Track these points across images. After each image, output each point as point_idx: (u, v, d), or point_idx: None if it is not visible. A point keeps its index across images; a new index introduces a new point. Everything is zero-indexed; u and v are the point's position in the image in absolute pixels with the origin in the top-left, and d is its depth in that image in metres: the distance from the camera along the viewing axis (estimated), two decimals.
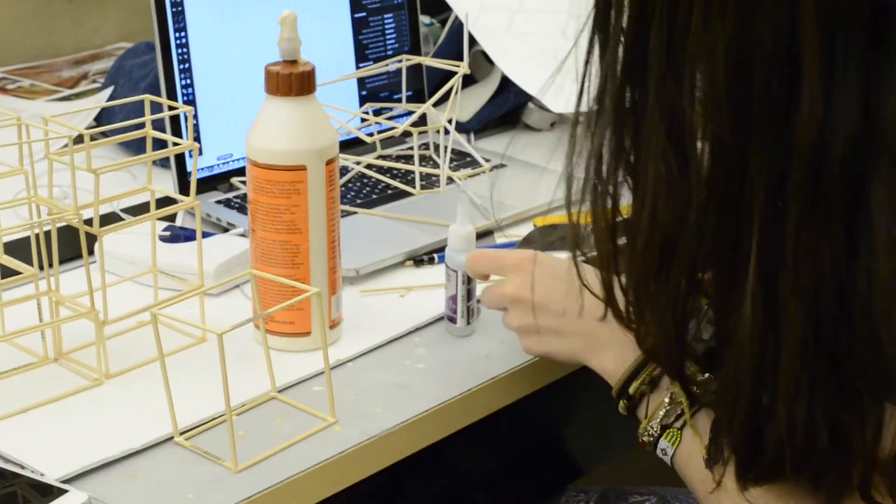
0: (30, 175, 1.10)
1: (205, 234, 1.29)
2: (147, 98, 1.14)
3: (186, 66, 1.38)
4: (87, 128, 1.49)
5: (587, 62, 0.85)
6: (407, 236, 1.33)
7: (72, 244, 1.15)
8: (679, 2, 0.78)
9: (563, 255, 1.03)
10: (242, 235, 1.33)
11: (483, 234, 1.36)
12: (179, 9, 1.37)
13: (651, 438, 0.99)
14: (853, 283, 0.79)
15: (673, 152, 0.80)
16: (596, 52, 0.83)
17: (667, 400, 0.98)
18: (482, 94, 1.65)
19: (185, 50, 1.38)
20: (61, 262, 1.13)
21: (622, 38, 0.81)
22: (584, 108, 0.86)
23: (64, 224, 1.11)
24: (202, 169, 1.41)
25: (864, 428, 0.82)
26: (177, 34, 1.37)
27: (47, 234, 1.11)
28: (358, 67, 1.53)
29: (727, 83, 0.77)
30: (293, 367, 1.12)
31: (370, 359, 1.15)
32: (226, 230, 1.36)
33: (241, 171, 1.43)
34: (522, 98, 1.64)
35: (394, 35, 1.56)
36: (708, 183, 0.80)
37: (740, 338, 0.81)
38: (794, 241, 0.79)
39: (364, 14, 1.53)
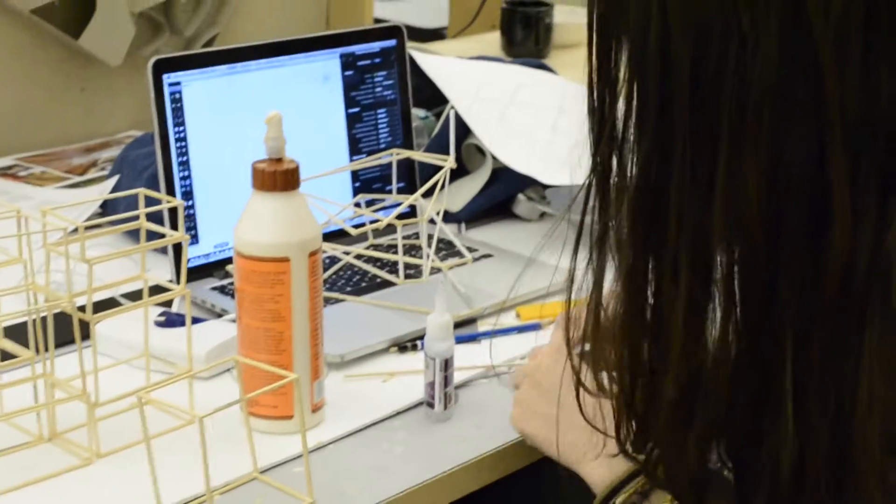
0: (28, 264, 1.16)
1: (197, 320, 1.35)
2: (142, 192, 1.20)
3: (185, 158, 1.45)
4: (89, 217, 1.56)
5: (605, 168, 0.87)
6: (392, 323, 1.39)
7: (68, 329, 1.20)
8: (699, 140, 0.79)
9: None
10: (234, 321, 1.38)
11: (465, 323, 1.41)
12: (179, 104, 1.44)
13: None
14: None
15: (700, 290, 0.81)
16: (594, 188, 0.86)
17: None
18: (473, 185, 1.71)
19: (183, 143, 1.45)
20: (58, 345, 1.19)
21: (636, 180, 0.83)
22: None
23: (59, 311, 1.16)
24: (198, 256, 1.47)
25: None
26: (176, 129, 1.44)
27: (43, 319, 1.16)
28: (351, 160, 1.59)
29: (759, 213, 0.78)
30: (277, 449, 1.17)
31: (351, 442, 1.20)
32: (219, 316, 1.42)
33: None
34: (512, 189, 1.71)
35: (387, 129, 1.63)
36: (739, 316, 0.81)
37: (778, 476, 0.82)
38: (824, 366, 0.80)
39: (358, 109, 1.60)
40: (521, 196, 1.72)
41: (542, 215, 1.72)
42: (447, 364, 1.22)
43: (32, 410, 1.17)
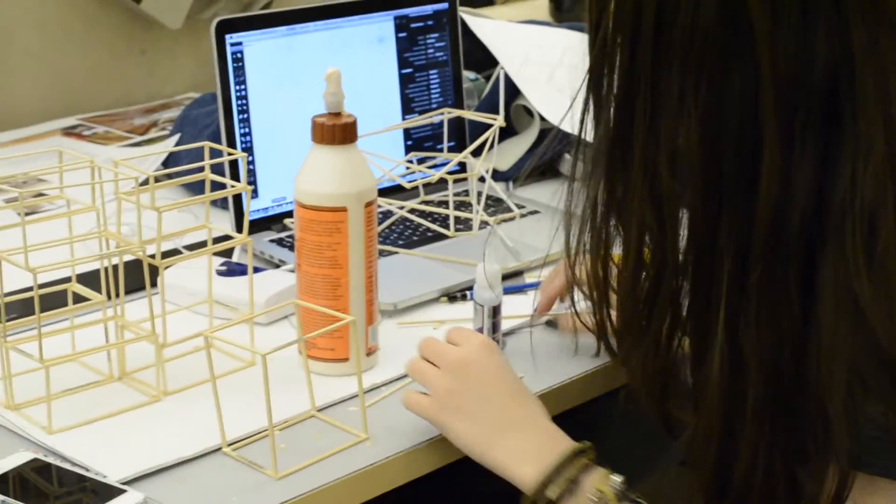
0: (100, 212, 1.22)
1: (257, 270, 1.42)
2: (207, 144, 1.27)
3: (245, 115, 1.51)
4: (154, 171, 1.63)
5: (582, 121, 0.96)
6: (442, 274, 1.45)
7: (136, 277, 1.27)
8: (659, 77, 0.87)
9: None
10: (292, 271, 1.45)
11: (514, 275, 1.47)
12: (240, 64, 1.50)
13: None
14: (806, 347, 0.87)
15: (653, 214, 0.89)
16: (591, 109, 0.94)
17: (592, 497, 1.03)
18: (522, 145, 1.76)
19: (244, 101, 1.51)
20: (127, 292, 1.25)
21: (614, 100, 0.91)
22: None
23: (130, 258, 1.23)
24: (258, 210, 1.54)
25: (820, 486, 0.90)
26: (237, 87, 1.50)
27: (115, 266, 1.23)
28: (404, 119, 1.65)
29: (700, 154, 0.86)
30: (332, 390, 1.24)
31: (403, 383, 1.26)
32: (277, 266, 1.48)
33: (293, 213, 1.55)
34: (559, 149, 1.76)
35: (438, 89, 1.68)
36: (683, 247, 0.89)
37: (709, 391, 0.90)
38: (756, 305, 0.87)
39: (410, 70, 1.66)
40: (566, 155, 1.77)
41: None
42: (495, 311, 1.28)
43: (103, 349, 1.24)
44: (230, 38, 1.49)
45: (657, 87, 0.87)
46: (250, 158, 1.52)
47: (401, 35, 1.64)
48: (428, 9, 1.66)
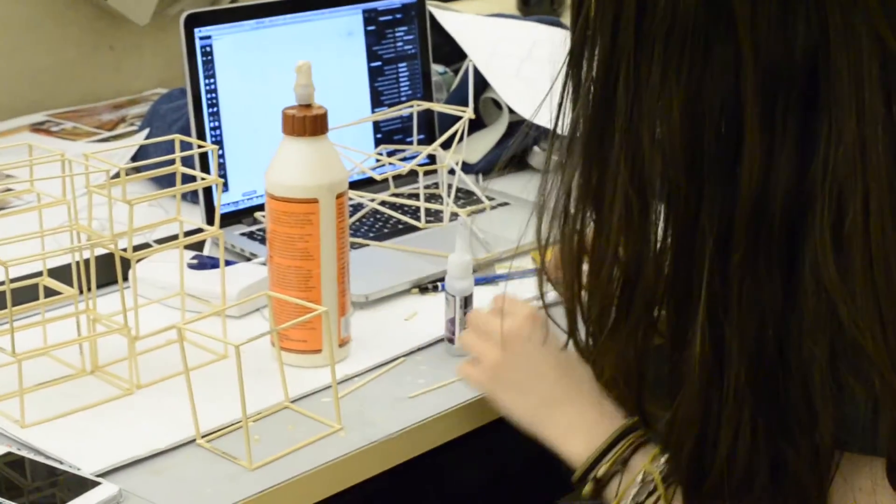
0: (71, 205, 1.22)
1: (229, 263, 1.42)
2: (177, 137, 1.27)
3: (215, 109, 1.51)
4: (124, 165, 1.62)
5: (560, 103, 0.96)
6: (413, 266, 1.46)
7: (107, 271, 1.27)
8: (641, 59, 0.87)
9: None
10: (264, 264, 1.45)
11: (484, 265, 1.48)
12: (209, 58, 1.50)
13: None
14: (788, 328, 0.88)
15: (635, 195, 0.89)
16: (569, 94, 0.94)
17: (639, 478, 1.03)
18: (490, 137, 1.77)
19: (213, 95, 1.51)
20: (98, 286, 1.25)
21: (593, 84, 0.91)
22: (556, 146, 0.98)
23: (102, 252, 1.23)
24: (228, 204, 1.54)
25: (805, 464, 0.90)
26: (206, 80, 1.50)
27: (87, 260, 1.23)
28: (373, 112, 1.65)
29: (682, 137, 0.86)
30: (305, 381, 1.24)
31: (375, 374, 1.27)
32: (248, 259, 1.48)
33: (263, 207, 1.54)
34: (528, 141, 1.77)
35: (407, 83, 1.69)
36: (664, 227, 0.89)
37: (690, 373, 0.91)
38: (738, 287, 0.87)
39: (380, 63, 1.66)
40: (536, 148, 1.77)
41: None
42: (467, 301, 1.29)
43: (75, 343, 1.23)
44: (199, 32, 1.49)
45: (639, 70, 0.87)
46: (220, 152, 1.52)
47: (369, 28, 1.64)
48: (396, 2, 1.66)
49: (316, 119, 1.23)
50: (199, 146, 1.27)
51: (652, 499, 1.02)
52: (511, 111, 1.74)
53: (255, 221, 1.55)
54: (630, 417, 1.06)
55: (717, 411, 0.91)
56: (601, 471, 1.05)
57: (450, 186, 1.55)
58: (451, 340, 1.30)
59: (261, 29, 1.55)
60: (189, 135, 1.49)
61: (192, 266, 1.40)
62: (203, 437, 1.14)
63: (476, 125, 1.75)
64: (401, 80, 1.68)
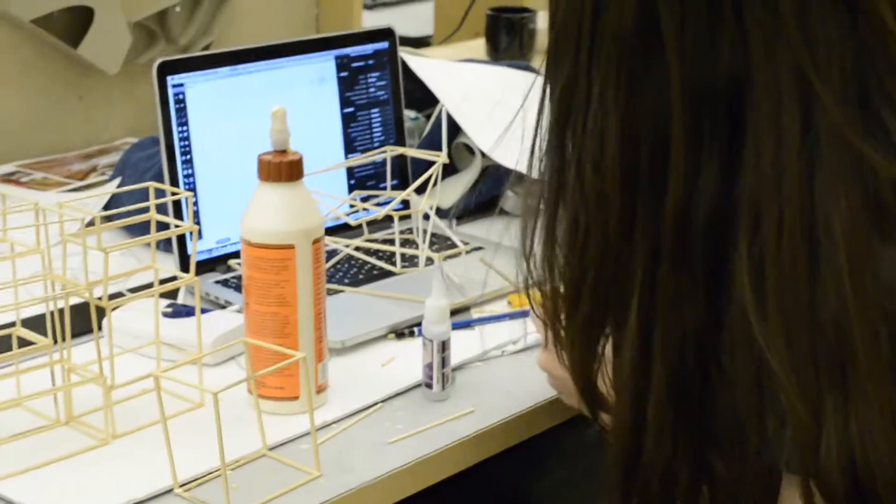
0: (46, 254, 1.21)
1: (204, 311, 1.41)
2: (151, 185, 1.26)
3: (188, 157, 1.51)
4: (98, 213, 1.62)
5: (533, 146, 0.98)
6: (389, 311, 1.45)
7: (81, 321, 1.26)
8: (594, 78, 0.90)
9: None
10: (239, 312, 1.44)
11: (460, 310, 1.47)
12: (182, 105, 1.50)
13: None
14: (712, 344, 0.90)
15: (584, 209, 0.92)
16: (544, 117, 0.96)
17: None
18: (463, 182, 1.77)
19: (186, 142, 1.51)
20: (72, 336, 1.24)
21: (552, 118, 0.94)
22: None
23: (75, 302, 1.22)
24: (202, 252, 1.53)
25: (736, 481, 0.92)
26: (179, 128, 1.50)
27: (61, 309, 1.22)
28: (346, 158, 1.65)
29: (619, 156, 0.89)
30: (283, 428, 1.23)
31: (353, 421, 1.26)
32: (223, 307, 1.47)
33: (237, 254, 1.54)
34: (501, 186, 1.77)
35: (380, 128, 1.69)
36: (603, 240, 0.91)
37: (621, 381, 0.93)
38: (664, 300, 0.90)
39: (352, 109, 1.66)
40: (509, 192, 1.78)
41: None
42: (444, 346, 1.29)
43: (50, 393, 1.22)
44: (172, 80, 1.49)
45: (591, 84, 0.90)
46: (194, 199, 1.52)
47: (342, 74, 1.65)
48: (368, 48, 1.67)
49: (292, 165, 1.23)
50: (174, 193, 1.26)
51: None
52: (484, 156, 1.74)
53: (230, 269, 1.54)
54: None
55: (643, 420, 0.93)
56: None
57: (424, 231, 1.55)
58: (429, 385, 1.30)
59: (234, 76, 1.55)
60: (162, 182, 1.49)
61: (166, 314, 1.39)
62: (181, 486, 1.13)
63: (449, 170, 1.75)
64: (373, 125, 1.68)
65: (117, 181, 1.75)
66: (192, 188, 1.51)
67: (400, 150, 1.62)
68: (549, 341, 1.20)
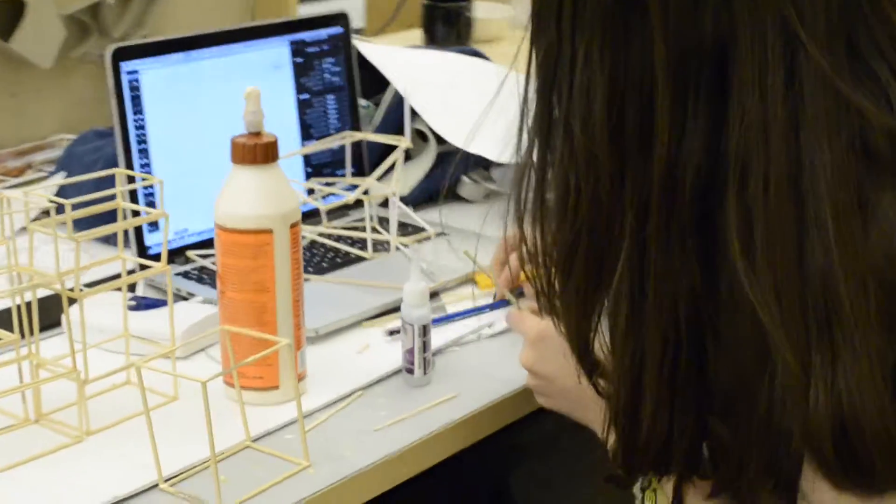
0: (11, 245, 1.16)
1: (163, 303, 1.36)
2: (118, 172, 1.22)
3: (144, 146, 1.46)
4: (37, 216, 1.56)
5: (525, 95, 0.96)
6: (361, 299, 1.41)
7: (45, 314, 1.21)
8: (578, 41, 0.89)
9: None
10: (203, 303, 1.40)
11: (431, 295, 1.44)
12: (137, 94, 1.45)
13: (636, 501, 1.06)
14: (707, 305, 0.89)
15: (573, 170, 0.90)
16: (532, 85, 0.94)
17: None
18: (419, 169, 1.74)
19: (142, 131, 1.46)
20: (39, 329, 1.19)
21: (540, 69, 0.92)
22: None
23: (40, 295, 1.17)
24: (160, 244, 1.48)
25: (744, 445, 0.91)
26: (135, 116, 1.45)
27: (28, 302, 1.17)
28: (303, 145, 1.61)
29: (606, 117, 0.88)
30: (264, 420, 1.19)
31: (336, 409, 1.22)
32: (185, 299, 1.43)
33: (196, 245, 1.50)
34: (457, 173, 1.74)
35: (336, 115, 1.65)
36: (593, 202, 0.90)
37: (616, 345, 0.92)
38: (654, 261, 0.89)
39: (308, 95, 1.62)
40: (465, 178, 1.75)
41: (488, 195, 1.76)
42: (425, 330, 1.25)
43: (18, 390, 1.17)
44: (126, 66, 1.44)
45: (575, 47, 0.89)
46: (150, 190, 1.47)
47: (297, 60, 1.60)
48: (322, 33, 1.63)
49: (267, 147, 1.19)
50: (144, 179, 1.22)
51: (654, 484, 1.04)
52: (440, 142, 1.71)
53: (188, 261, 1.50)
54: None
55: (640, 386, 0.91)
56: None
57: (381, 219, 1.51)
58: (410, 371, 1.26)
59: (189, 62, 1.50)
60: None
61: (131, 308, 1.34)
62: (166, 481, 1.09)
63: (404, 157, 1.71)
64: (329, 112, 1.65)
65: (62, 175, 1.69)
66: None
67: (360, 135, 1.58)
68: (536, 337, 1.18)
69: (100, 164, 1.62)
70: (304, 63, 1.61)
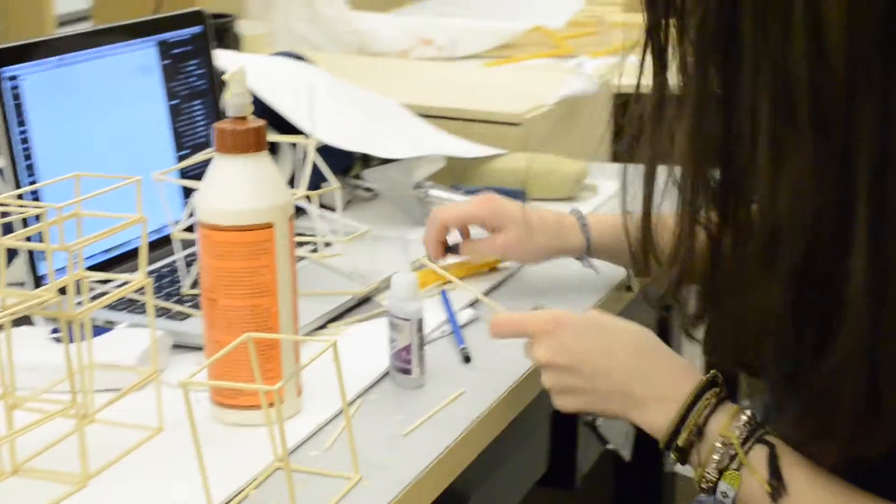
0: None
1: (100, 331, 1.20)
2: (77, 175, 1.06)
3: (30, 162, 1.28)
4: None
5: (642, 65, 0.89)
6: (319, 302, 1.30)
7: None
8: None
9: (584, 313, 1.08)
10: (134, 327, 1.24)
11: (365, 300, 1.34)
12: (19, 101, 1.27)
13: (710, 484, 0.97)
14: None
15: (786, 130, 0.82)
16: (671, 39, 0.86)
17: (718, 444, 0.96)
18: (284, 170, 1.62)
19: (27, 145, 1.28)
20: None
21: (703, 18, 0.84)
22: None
23: None
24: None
25: None
26: (19, 129, 1.27)
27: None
28: (177, 155, 1.46)
29: (840, 45, 0.80)
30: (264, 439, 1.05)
31: (342, 420, 1.10)
32: (106, 330, 1.26)
33: (101, 266, 1.33)
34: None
35: (204, 121, 1.51)
36: (816, 160, 0.82)
37: (850, 311, 0.83)
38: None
39: (178, 101, 1.47)
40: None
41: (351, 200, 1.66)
42: (420, 325, 1.16)
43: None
44: (5, 72, 1.26)
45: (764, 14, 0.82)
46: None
47: (165, 62, 1.46)
48: (185, 33, 1.49)
49: (257, 132, 1.06)
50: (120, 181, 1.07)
51: (735, 463, 0.96)
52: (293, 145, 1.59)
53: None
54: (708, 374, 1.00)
55: (881, 350, 0.84)
56: (681, 440, 0.99)
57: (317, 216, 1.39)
58: (406, 371, 1.16)
59: (64, 66, 1.33)
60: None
61: (58, 340, 1.17)
62: None
63: None
64: (197, 118, 1.50)
65: None
66: (37, 197, 1.27)
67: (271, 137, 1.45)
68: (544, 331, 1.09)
69: None
70: (171, 65, 1.46)
